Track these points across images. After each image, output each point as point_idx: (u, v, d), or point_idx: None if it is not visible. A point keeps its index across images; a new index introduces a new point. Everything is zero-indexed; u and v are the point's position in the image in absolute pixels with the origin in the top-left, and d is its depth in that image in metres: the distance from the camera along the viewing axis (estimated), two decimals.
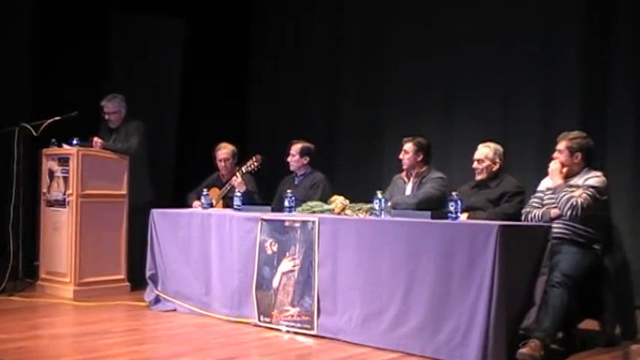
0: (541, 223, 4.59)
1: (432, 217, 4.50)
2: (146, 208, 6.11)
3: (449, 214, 4.52)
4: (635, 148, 6.14)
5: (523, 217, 4.80)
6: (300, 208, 5.25)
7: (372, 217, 4.83)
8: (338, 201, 5.17)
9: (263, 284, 5.09)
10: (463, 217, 4.75)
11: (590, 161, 4.80)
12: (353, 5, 8.16)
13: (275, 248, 5.05)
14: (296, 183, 6.29)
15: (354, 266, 4.64)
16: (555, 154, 4.81)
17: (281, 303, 4.97)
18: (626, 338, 4.61)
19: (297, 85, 8.52)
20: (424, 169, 5.62)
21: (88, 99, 6.83)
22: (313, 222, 4.84)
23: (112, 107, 6.79)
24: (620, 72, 6.19)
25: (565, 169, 4.75)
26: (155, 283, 5.86)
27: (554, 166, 4.79)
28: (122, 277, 6.47)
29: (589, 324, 4.77)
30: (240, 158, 6.54)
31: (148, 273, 5.89)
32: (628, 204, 6.09)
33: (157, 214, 5.94)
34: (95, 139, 6.48)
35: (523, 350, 4.06)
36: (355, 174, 7.57)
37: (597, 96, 6.32)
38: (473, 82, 7.01)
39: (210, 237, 5.53)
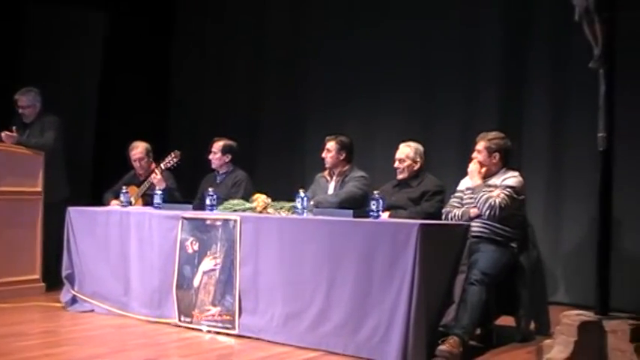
0: (460, 222, 4.68)
1: (354, 216, 4.54)
2: (62, 206, 5.95)
3: (370, 213, 4.57)
4: (550, 148, 6.34)
5: (443, 216, 4.89)
6: (221, 207, 5.21)
7: (294, 216, 4.84)
8: (260, 199, 5.16)
9: (184, 284, 5.03)
10: (385, 215, 4.81)
11: (507, 161, 4.92)
12: (276, 0, 8.15)
13: (196, 247, 5.00)
14: (218, 181, 6.25)
15: (275, 265, 4.63)
16: (474, 155, 4.92)
17: (202, 302, 4.92)
18: (540, 333, 4.76)
19: (218, 82, 8.45)
20: (346, 167, 5.67)
21: (2, 92, 6.60)
22: (235, 220, 4.81)
23: (26, 101, 6.59)
24: (537, 75, 6.38)
25: (484, 169, 4.86)
26: (72, 283, 5.71)
27: (473, 166, 4.90)
28: (37, 277, 6.27)
29: (505, 320, 4.90)
30: (160, 154, 6.44)
31: (64, 273, 5.74)
32: (543, 203, 6.29)
33: (73, 211, 5.79)
34: (4, 133, 6.25)
35: (442, 347, 4.13)
36: (278, 172, 7.57)
37: (515, 98, 6.50)
38: (394, 81, 7.11)
39: (129, 236, 5.42)
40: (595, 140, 4.05)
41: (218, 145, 6.27)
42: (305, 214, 4.82)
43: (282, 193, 5.45)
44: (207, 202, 5.20)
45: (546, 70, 6.33)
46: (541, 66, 6.35)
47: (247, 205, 5.18)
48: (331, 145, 5.67)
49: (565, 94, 6.21)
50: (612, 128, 4.00)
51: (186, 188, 6.45)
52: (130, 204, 5.89)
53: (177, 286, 5.06)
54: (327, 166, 5.72)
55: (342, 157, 5.66)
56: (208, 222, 4.97)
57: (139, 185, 6.32)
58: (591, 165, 4.31)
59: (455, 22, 6.82)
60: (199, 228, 5.00)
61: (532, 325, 4.83)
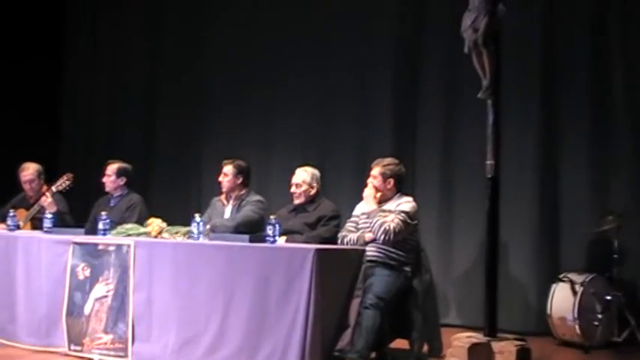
0: (356, 247, 4.74)
1: (250, 241, 4.53)
2: None
3: (267, 238, 4.57)
4: (442, 175, 6.53)
5: (339, 241, 4.94)
6: (115, 231, 5.09)
7: (189, 241, 4.79)
8: (155, 224, 5.08)
9: (74, 311, 4.88)
10: (281, 240, 4.82)
11: (401, 187, 5.03)
12: (171, 24, 8.06)
13: (87, 273, 4.86)
14: (111, 204, 6.10)
15: (170, 291, 4.56)
16: (369, 180, 5.00)
17: (93, 330, 4.78)
18: (432, 356, 4.86)
19: (113, 102, 8.29)
20: (243, 192, 5.66)
21: None
22: (128, 245, 4.72)
23: None
24: (430, 104, 6.59)
25: (379, 195, 4.95)
26: None
27: (368, 191, 4.98)
28: None
29: (399, 343, 4.97)
30: (51, 177, 6.24)
31: None
32: (435, 228, 6.46)
33: None
34: None
35: None
36: (173, 196, 7.48)
37: (408, 125, 6.67)
38: (291, 107, 7.17)
39: (16, 261, 5.21)
40: (484, 167, 4.21)
41: (112, 168, 6.14)
42: (201, 239, 4.78)
43: (178, 217, 5.39)
44: (100, 226, 5.06)
45: (438, 99, 6.54)
46: (433, 96, 6.56)
47: (142, 229, 5.09)
48: (228, 169, 5.65)
49: (456, 122, 6.43)
50: (499, 156, 4.17)
51: (79, 212, 6.27)
52: (18, 227, 5.67)
53: (67, 314, 4.90)
54: (223, 190, 5.69)
55: (238, 182, 5.65)
56: (100, 247, 4.84)
57: (28, 208, 6.10)
58: (480, 191, 4.46)
59: (350, 50, 6.95)
60: (91, 253, 4.87)
61: (425, 348, 4.92)
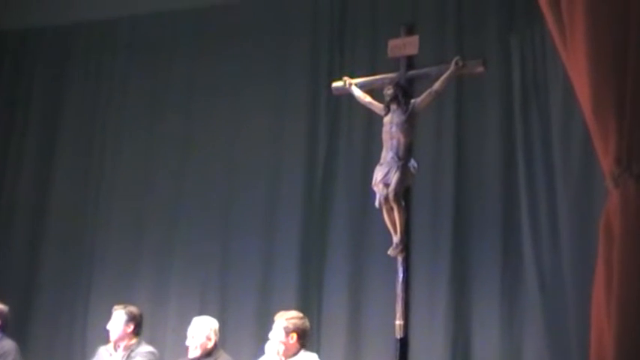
0: None
1: None
2: None
3: None
4: (348, 332, 6.54)
5: None
6: None
7: None
8: None
9: None
10: None
11: (305, 342, 5.04)
12: (61, 159, 7.99)
13: None
14: None
15: None
16: (272, 334, 5.00)
17: None
18: None
19: None
20: (134, 341, 5.58)
21: None
22: None
23: None
24: (337, 257, 6.63)
25: (282, 350, 4.94)
26: None
27: (270, 345, 4.97)
28: None
29: None
30: None
31: None
32: None
33: None
34: None
35: None
36: (54, 343, 7.20)
37: (314, 278, 6.72)
38: (190, 254, 7.12)
39: None
40: (393, 327, 4.28)
41: None
42: None
43: None
44: None
45: (347, 253, 6.63)
46: (341, 249, 6.65)
47: None
48: (118, 314, 5.57)
49: (365, 278, 6.50)
50: (409, 316, 4.26)
51: None
52: None
53: None
54: (111, 338, 5.58)
55: (129, 330, 5.56)
56: None
57: None
58: (389, 351, 4.51)
59: (256, 194, 7.05)
60: None
61: None
